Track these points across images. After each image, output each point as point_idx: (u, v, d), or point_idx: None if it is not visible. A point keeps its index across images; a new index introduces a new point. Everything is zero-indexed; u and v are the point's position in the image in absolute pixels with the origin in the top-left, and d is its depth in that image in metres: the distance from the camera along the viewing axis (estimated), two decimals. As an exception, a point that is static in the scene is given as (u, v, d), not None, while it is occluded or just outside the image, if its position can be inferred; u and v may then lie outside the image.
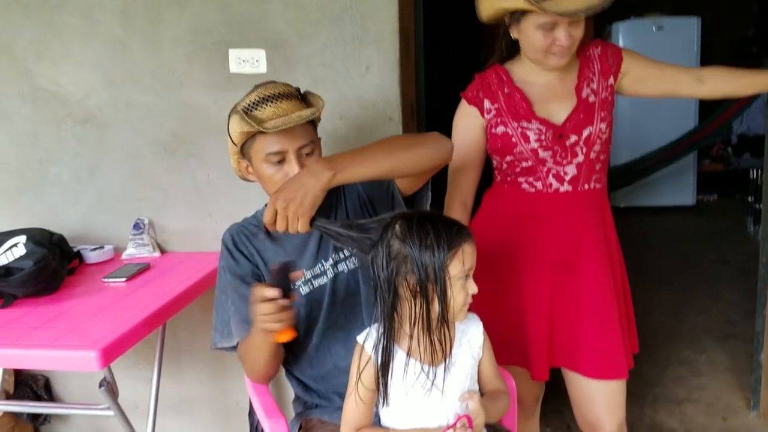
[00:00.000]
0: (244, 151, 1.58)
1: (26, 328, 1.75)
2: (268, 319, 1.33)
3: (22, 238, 2.04)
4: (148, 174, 2.34)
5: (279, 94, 1.55)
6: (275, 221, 1.37)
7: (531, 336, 1.83)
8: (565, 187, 1.79)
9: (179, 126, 2.29)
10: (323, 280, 1.61)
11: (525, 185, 1.81)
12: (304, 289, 1.60)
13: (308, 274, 1.61)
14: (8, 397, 2.39)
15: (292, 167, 1.51)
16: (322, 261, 1.62)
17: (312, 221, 1.37)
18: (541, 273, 1.81)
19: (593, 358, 1.80)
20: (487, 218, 1.90)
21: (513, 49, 1.82)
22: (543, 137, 1.75)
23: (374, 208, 1.66)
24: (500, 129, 1.79)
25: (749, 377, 2.87)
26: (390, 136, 1.57)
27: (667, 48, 5.47)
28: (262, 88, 1.56)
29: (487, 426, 1.38)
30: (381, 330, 1.31)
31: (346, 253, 1.62)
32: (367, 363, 1.32)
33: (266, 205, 1.70)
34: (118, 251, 2.35)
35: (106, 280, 2.08)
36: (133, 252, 2.31)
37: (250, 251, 1.62)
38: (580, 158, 1.77)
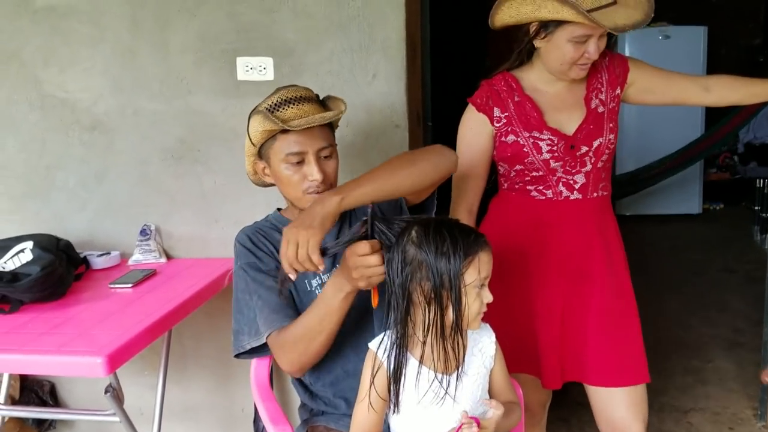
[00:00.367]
0: (262, 152, 1.60)
1: (32, 333, 1.75)
2: (377, 271, 1.31)
3: (29, 244, 2.04)
4: (155, 180, 2.34)
5: (301, 97, 1.58)
6: (289, 254, 1.33)
7: (542, 344, 1.82)
8: (575, 195, 1.79)
9: (186, 133, 2.30)
10: None
11: (534, 193, 1.81)
12: (320, 291, 1.60)
13: (324, 277, 1.61)
14: (14, 402, 2.39)
15: (311, 168, 1.53)
16: (337, 265, 1.62)
17: (324, 251, 1.34)
18: (552, 280, 1.81)
19: (611, 366, 1.79)
20: (495, 226, 1.89)
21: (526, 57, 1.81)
22: (555, 148, 1.74)
23: None
24: (511, 138, 1.78)
25: (756, 387, 2.86)
26: (396, 155, 1.58)
27: (674, 57, 5.46)
28: (284, 90, 1.59)
29: None
30: (394, 336, 1.31)
31: None
32: (378, 369, 1.32)
33: (278, 210, 1.72)
34: (124, 257, 2.35)
35: (112, 285, 2.08)
36: (140, 258, 2.31)
37: (270, 249, 1.62)
38: (588, 167, 1.78)
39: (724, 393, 3.04)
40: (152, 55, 2.26)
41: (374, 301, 1.40)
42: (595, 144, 1.76)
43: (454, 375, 1.33)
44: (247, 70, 2.20)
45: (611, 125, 1.79)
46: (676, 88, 1.85)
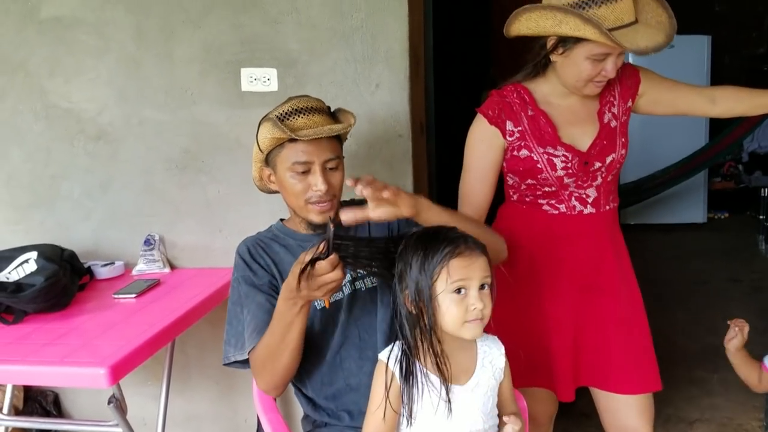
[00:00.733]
0: (269, 159, 1.61)
1: (36, 344, 1.75)
2: (337, 283, 1.35)
3: (33, 254, 2.05)
4: (160, 190, 2.35)
5: (311, 107, 1.60)
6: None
7: (557, 356, 1.81)
8: (589, 210, 1.78)
9: (191, 143, 2.30)
10: (339, 296, 1.61)
11: (546, 207, 1.79)
12: (319, 303, 1.60)
13: None
14: (17, 412, 2.38)
15: (316, 179, 1.55)
16: None
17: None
18: (566, 293, 1.80)
19: (627, 374, 1.81)
20: (507, 241, 1.86)
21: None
22: (569, 164, 1.72)
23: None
24: (524, 153, 1.74)
25: (762, 397, 2.83)
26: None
27: (678, 66, 5.43)
28: (296, 100, 1.61)
29: None
30: (402, 347, 1.32)
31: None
32: (392, 380, 1.31)
33: (280, 220, 1.73)
34: (128, 267, 2.36)
35: (116, 296, 2.08)
36: (144, 268, 2.31)
37: (267, 262, 1.63)
38: (599, 181, 1.77)
39: (730, 404, 3.01)
40: (157, 66, 2.27)
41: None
42: (608, 160, 1.75)
43: (464, 386, 1.33)
44: (252, 81, 2.21)
45: (623, 140, 1.78)
46: (684, 100, 1.84)
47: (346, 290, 1.62)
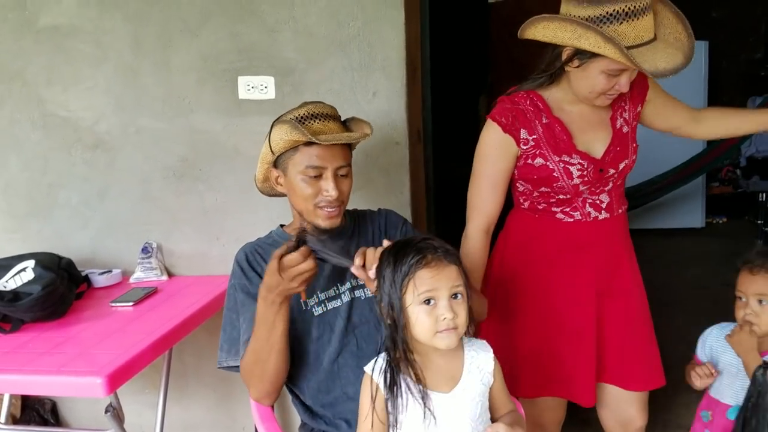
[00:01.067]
0: (279, 161, 1.62)
1: (33, 353, 1.75)
2: (305, 277, 1.40)
3: (31, 263, 2.05)
4: (157, 198, 2.35)
5: (327, 114, 1.62)
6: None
7: (581, 364, 1.81)
8: (603, 215, 1.78)
9: (188, 151, 2.30)
10: (337, 303, 1.62)
11: (560, 215, 1.78)
12: (317, 310, 1.61)
13: (322, 296, 1.62)
14: (15, 420, 2.38)
15: (328, 184, 1.56)
16: (338, 284, 1.64)
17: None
18: (586, 300, 1.80)
19: (642, 372, 1.88)
20: (519, 250, 1.86)
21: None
22: (585, 172, 1.71)
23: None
24: (539, 161, 1.72)
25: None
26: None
27: (675, 71, 5.48)
28: (311, 105, 1.62)
29: None
30: (386, 358, 1.32)
31: None
32: (377, 392, 1.32)
33: (281, 226, 1.74)
34: (126, 275, 2.35)
35: (113, 304, 2.08)
36: (141, 276, 2.31)
37: (263, 269, 1.62)
38: (610, 186, 1.77)
39: (728, 410, 3.01)
40: (154, 75, 2.27)
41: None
42: (621, 166, 1.76)
43: (451, 393, 1.33)
44: (249, 89, 2.22)
45: (634, 145, 1.79)
46: (677, 117, 1.88)
47: (345, 298, 1.63)
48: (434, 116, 2.79)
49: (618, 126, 1.77)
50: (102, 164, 2.36)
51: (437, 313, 1.27)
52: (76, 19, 2.27)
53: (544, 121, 1.72)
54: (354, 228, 1.72)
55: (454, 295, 1.29)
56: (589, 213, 1.77)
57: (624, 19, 1.49)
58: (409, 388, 1.31)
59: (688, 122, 1.87)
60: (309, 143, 1.55)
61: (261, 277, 1.61)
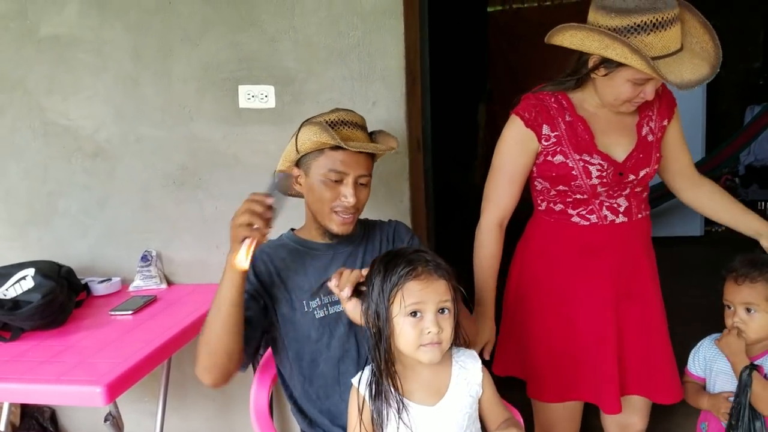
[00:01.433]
0: (302, 161, 1.63)
1: (33, 362, 1.75)
2: (257, 217, 1.37)
3: (31, 271, 2.05)
4: (157, 207, 2.36)
5: (356, 122, 1.65)
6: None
7: (603, 369, 1.80)
8: (621, 219, 1.78)
9: (188, 159, 2.31)
10: (339, 308, 1.62)
11: (576, 218, 1.78)
12: (319, 313, 1.61)
13: (325, 299, 1.62)
14: (14, 429, 2.38)
15: (348, 190, 1.58)
16: (341, 308, 1.63)
17: None
18: (605, 304, 1.80)
19: (667, 383, 1.87)
20: (538, 255, 1.86)
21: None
22: (604, 173, 1.71)
23: None
24: (558, 159, 1.73)
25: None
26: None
27: (674, 80, 5.49)
28: (342, 112, 1.65)
29: None
30: (372, 370, 1.33)
31: None
32: (363, 404, 1.32)
33: (291, 230, 1.75)
34: (125, 283, 2.36)
35: (112, 313, 2.08)
36: (141, 284, 2.31)
37: (269, 269, 1.64)
38: (628, 191, 1.77)
39: (728, 419, 3.00)
40: (154, 84, 2.28)
41: (247, 253, 1.41)
42: (642, 173, 1.76)
43: (437, 405, 1.33)
44: (249, 98, 2.22)
45: (657, 155, 1.79)
46: (677, 163, 1.89)
47: None
48: (434, 125, 2.81)
49: (644, 133, 1.77)
50: (102, 173, 2.36)
51: (422, 326, 1.27)
52: (77, 28, 2.28)
53: (567, 119, 1.73)
54: (363, 236, 1.73)
55: (441, 310, 1.29)
56: (606, 216, 1.77)
57: (651, 30, 1.50)
58: (388, 400, 1.31)
59: (683, 176, 1.91)
60: (335, 147, 1.57)
61: (258, 277, 1.62)
